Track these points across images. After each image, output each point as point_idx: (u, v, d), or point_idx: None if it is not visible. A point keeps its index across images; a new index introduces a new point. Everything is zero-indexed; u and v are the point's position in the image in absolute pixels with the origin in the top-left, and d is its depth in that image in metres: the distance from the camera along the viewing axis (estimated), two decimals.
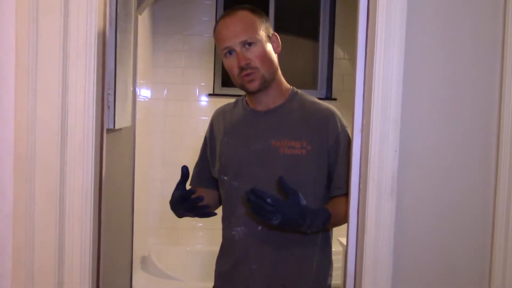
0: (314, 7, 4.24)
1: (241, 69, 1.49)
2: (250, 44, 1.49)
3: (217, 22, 1.57)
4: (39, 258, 1.10)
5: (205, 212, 1.52)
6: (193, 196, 1.49)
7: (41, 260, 1.11)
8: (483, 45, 1.20)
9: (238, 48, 1.49)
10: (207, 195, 1.68)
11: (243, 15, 1.52)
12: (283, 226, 1.41)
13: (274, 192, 1.45)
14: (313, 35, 4.26)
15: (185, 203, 1.51)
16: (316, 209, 1.46)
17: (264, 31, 1.53)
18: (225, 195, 1.64)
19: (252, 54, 1.49)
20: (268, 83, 1.54)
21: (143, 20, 3.19)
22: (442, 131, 1.21)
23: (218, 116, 1.72)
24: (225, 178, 1.62)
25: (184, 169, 1.53)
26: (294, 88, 1.65)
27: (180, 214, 1.61)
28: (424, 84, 1.20)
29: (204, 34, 4.05)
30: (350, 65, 4.16)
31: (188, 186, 1.58)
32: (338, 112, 1.60)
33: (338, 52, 4.17)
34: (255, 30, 1.50)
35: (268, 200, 1.35)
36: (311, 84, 4.25)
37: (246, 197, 1.39)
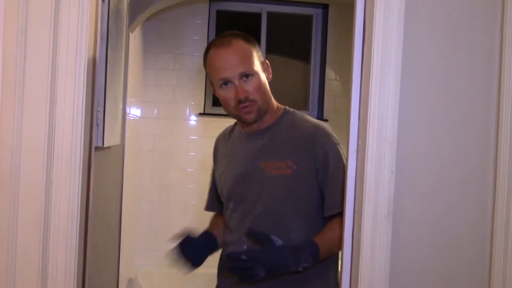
0: (306, 29, 4.26)
1: (239, 101, 1.45)
2: (247, 76, 1.44)
3: (208, 50, 1.50)
4: (21, 282, 1.06)
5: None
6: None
7: (23, 285, 1.06)
8: (480, 65, 1.20)
9: (236, 81, 1.44)
10: (221, 220, 1.68)
11: (239, 45, 1.46)
12: (272, 275, 1.36)
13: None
14: (305, 57, 4.28)
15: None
16: (300, 244, 1.40)
17: (258, 59, 1.50)
18: (226, 218, 1.62)
19: (250, 86, 1.45)
20: (263, 113, 1.52)
21: (134, 37, 3.17)
22: (439, 152, 1.19)
23: (219, 139, 1.73)
24: (224, 201, 1.63)
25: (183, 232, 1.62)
26: (287, 107, 1.61)
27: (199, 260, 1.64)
28: (421, 105, 1.18)
29: (195, 53, 4.04)
30: (341, 87, 4.17)
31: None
32: (328, 129, 1.52)
33: (330, 73, 4.18)
34: (252, 61, 1.46)
35: (242, 256, 1.32)
36: (303, 105, 4.25)
37: (227, 267, 1.38)
